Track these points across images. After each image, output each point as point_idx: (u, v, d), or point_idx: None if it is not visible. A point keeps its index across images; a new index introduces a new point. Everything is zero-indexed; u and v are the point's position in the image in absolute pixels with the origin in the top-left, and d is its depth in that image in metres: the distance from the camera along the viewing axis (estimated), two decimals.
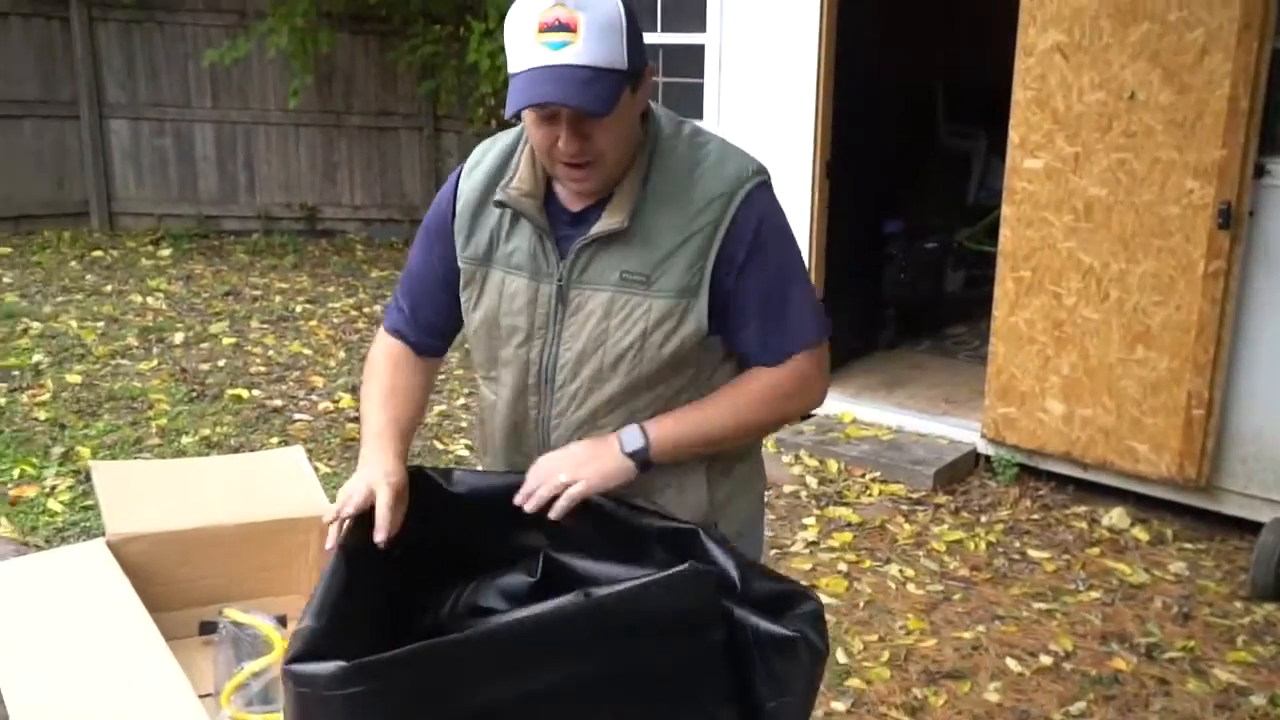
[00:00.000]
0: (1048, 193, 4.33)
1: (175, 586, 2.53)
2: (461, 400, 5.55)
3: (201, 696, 1.79)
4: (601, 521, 1.68)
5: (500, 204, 1.71)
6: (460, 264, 1.78)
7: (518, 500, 1.66)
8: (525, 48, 1.55)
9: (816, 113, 5.00)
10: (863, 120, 5.29)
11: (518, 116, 1.61)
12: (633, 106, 1.63)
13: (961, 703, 3.08)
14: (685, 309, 1.65)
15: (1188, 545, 4.12)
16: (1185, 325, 4.07)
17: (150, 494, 2.86)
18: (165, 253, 8.77)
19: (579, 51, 1.52)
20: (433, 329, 1.89)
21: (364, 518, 1.61)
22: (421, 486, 1.74)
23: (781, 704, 1.52)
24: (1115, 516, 4.28)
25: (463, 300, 1.80)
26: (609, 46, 1.54)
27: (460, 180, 1.80)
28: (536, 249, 1.70)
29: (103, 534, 2.47)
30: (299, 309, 7.30)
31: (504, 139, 1.80)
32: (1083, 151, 4.21)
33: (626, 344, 1.67)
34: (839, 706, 3.04)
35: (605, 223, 1.65)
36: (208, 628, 2.43)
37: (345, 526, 1.60)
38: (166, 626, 2.03)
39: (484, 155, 1.80)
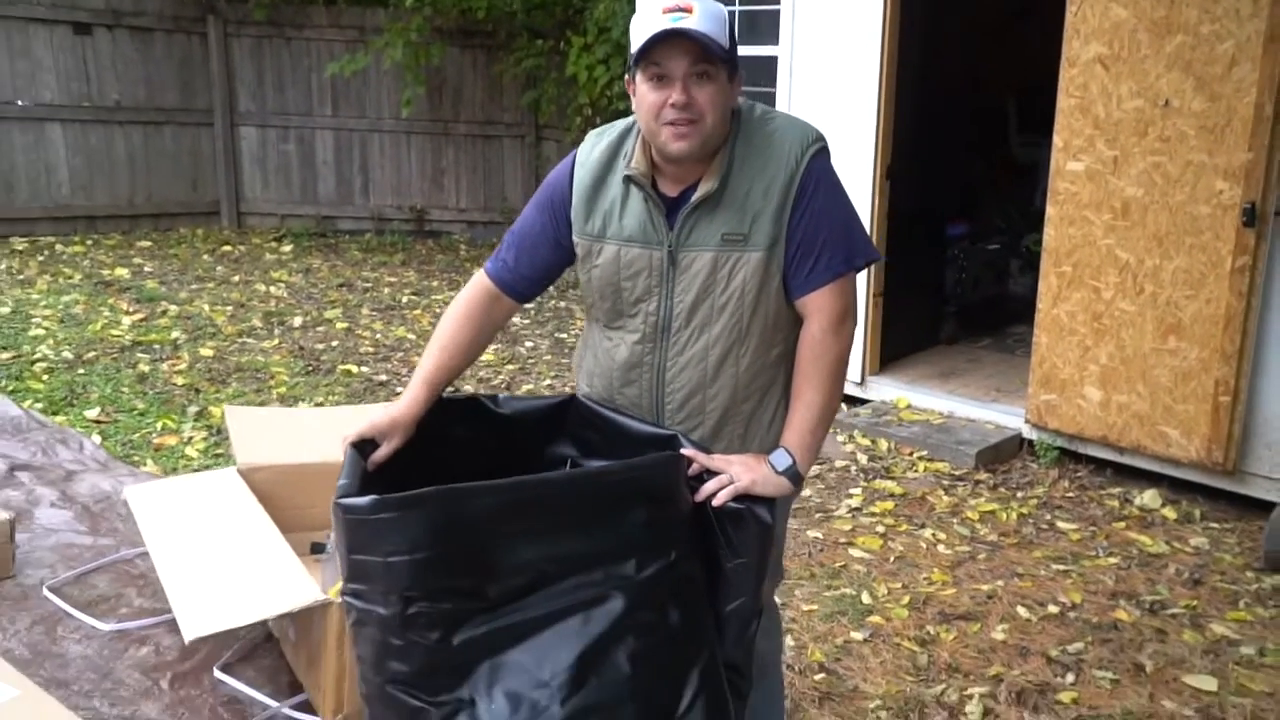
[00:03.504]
0: (1089, 193, 4.65)
1: (291, 512, 3.06)
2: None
3: None
4: (611, 429, 2.15)
5: (628, 179, 2.06)
6: (577, 239, 2.14)
7: (699, 499, 1.99)
8: (649, 23, 1.92)
9: (878, 121, 5.38)
10: (930, 129, 5.65)
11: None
12: (729, 92, 2.01)
13: (969, 639, 3.44)
14: (776, 256, 2.03)
15: (1214, 525, 4.38)
16: (1214, 318, 4.35)
17: (273, 434, 3.42)
18: (287, 249, 9.53)
19: (696, 21, 1.91)
20: (528, 279, 2.22)
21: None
22: (473, 410, 2.24)
23: (738, 565, 1.97)
24: (1147, 497, 4.56)
25: (581, 267, 2.16)
26: (719, 29, 1.94)
27: (575, 169, 2.15)
28: (647, 222, 2.06)
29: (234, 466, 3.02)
30: (405, 300, 7.93)
31: (608, 135, 2.16)
32: (1121, 155, 4.53)
33: (731, 290, 2.04)
34: (857, 636, 3.43)
35: (703, 190, 2.01)
36: (317, 548, 2.96)
37: (352, 441, 2.08)
38: None
39: (593, 148, 2.15)
